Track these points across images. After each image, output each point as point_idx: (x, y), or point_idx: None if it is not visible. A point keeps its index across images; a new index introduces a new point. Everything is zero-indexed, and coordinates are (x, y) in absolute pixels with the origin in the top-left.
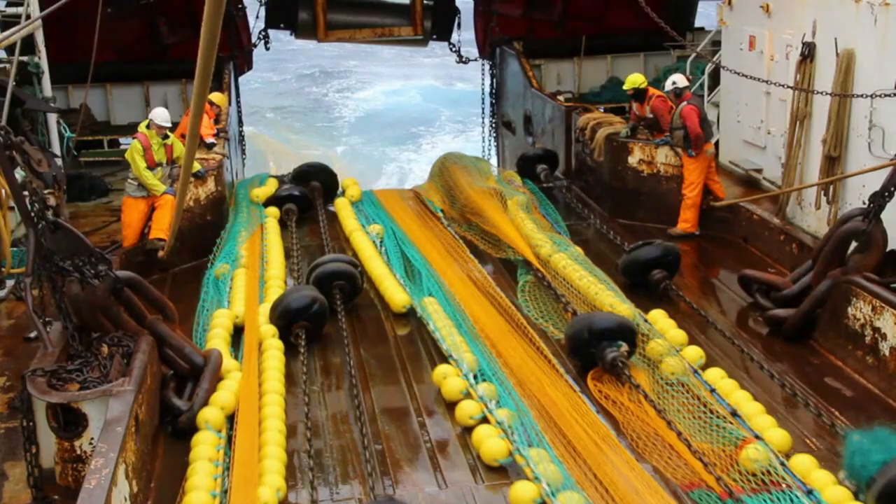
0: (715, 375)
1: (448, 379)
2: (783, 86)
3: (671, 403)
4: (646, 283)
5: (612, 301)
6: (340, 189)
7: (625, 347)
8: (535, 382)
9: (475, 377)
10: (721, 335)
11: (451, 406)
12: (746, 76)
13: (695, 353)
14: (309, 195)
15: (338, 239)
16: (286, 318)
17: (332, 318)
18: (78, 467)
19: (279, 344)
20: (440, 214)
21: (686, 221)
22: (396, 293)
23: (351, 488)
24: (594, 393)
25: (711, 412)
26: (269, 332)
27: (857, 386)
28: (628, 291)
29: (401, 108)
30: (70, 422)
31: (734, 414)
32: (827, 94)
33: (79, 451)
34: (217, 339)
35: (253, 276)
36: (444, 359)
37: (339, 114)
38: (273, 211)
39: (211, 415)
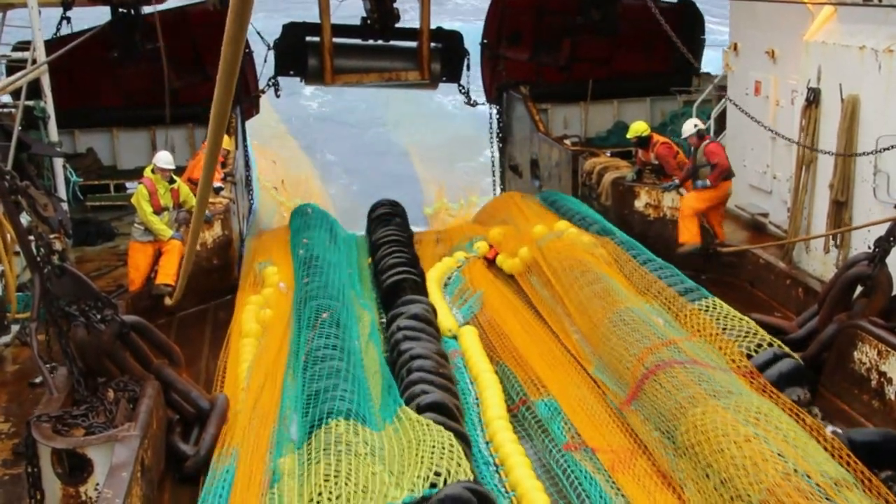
0: None
1: None
2: (788, 139)
3: None
4: None
5: None
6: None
7: None
8: None
9: None
10: None
11: None
12: (757, 121)
13: None
14: None
15: None
16: None
17: None
18: None
19: None
20: None
21: (688, 230)
22: None
23: None
24: None
25: None
26: None
27: None
28: None
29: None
30: (75, 467)
31: None
32: (830, 153)
33: (84, 497)
34: None
35: None
36: None
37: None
38: None
39: None
